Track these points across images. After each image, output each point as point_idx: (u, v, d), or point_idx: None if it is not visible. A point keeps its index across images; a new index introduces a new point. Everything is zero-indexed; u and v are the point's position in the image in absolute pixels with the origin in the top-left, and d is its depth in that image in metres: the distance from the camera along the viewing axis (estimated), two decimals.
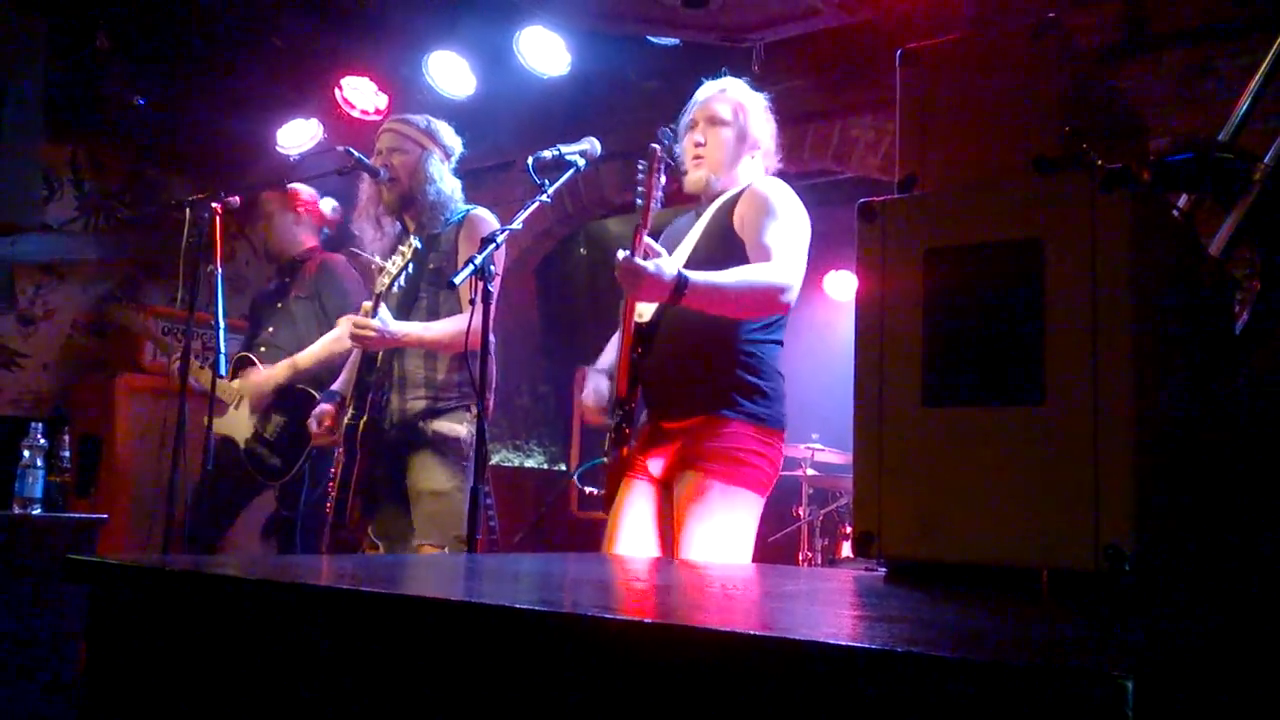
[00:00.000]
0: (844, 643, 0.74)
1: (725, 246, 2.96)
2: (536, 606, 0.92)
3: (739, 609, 1.14)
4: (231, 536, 4.41)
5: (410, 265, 3.48)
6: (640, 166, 2.90)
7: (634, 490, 3.04)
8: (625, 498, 3.04)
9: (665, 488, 3.02)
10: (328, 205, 4.67)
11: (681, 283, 2.70)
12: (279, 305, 4.47)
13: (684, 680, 0.82)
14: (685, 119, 3.19)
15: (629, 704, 0.84)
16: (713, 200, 3.14)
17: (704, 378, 2.94)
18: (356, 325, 3.38)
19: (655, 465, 3.01)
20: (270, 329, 4.44)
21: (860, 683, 0.71)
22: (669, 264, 2.73)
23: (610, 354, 3.22)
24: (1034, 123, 1.64)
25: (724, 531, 2.84)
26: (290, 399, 4.25)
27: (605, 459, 3.03)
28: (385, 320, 3.38)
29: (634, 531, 3.00)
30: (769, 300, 2.86)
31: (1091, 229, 1.42)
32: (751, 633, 0.78)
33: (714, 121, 3.14)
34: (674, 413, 2.96)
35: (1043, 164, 1.59)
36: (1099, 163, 1.60)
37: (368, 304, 3.48)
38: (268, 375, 4.26)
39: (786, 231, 2.94)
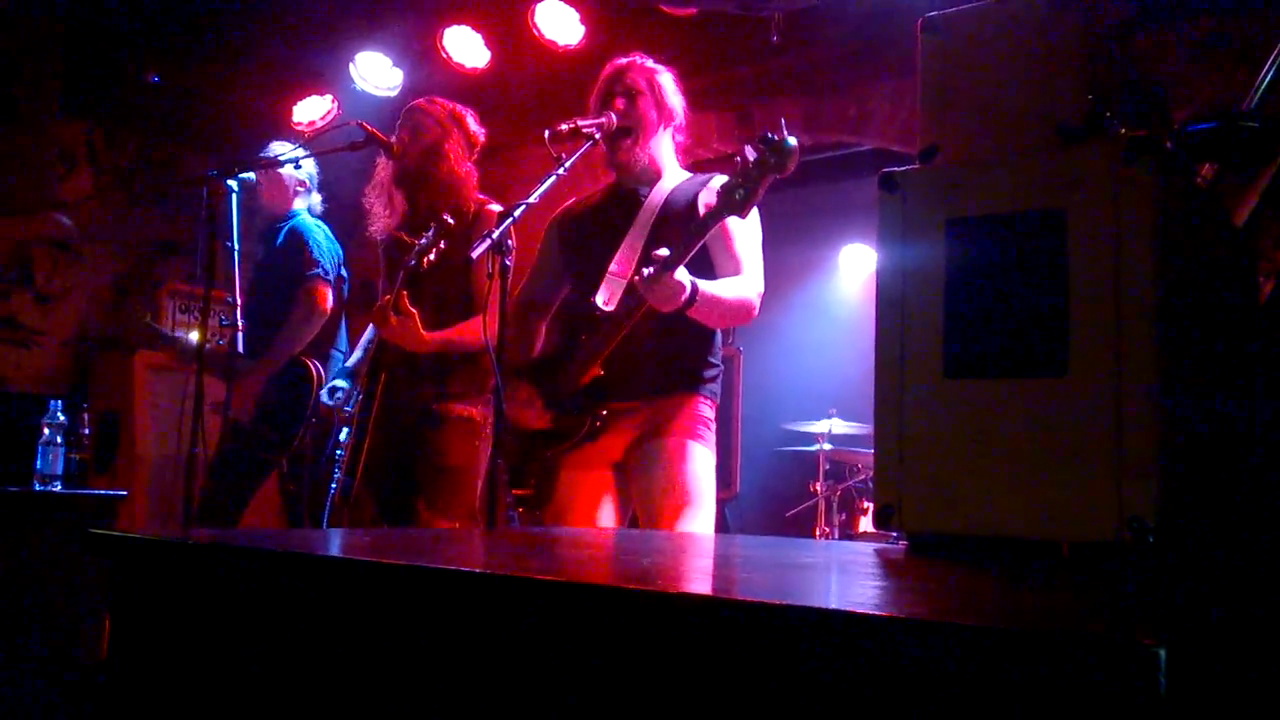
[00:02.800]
0: (874, 612, 0.74)
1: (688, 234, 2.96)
2: (582, 581, 0.92)
3: (772, 581, 1.14)
4: (246, 515, 4.40)
5: (441, 245, 3.42)
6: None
7: (587, 479, 3.09)
8: (581, 487, 3.09)
9: (618, 468, 3.10)
10: (316, 198, 4.59)
11: (694, 294, 2.79)
12: (258, 276, 4.39)
13: (720, 651, 0.81)
14: (600, 96, 3.18)
15: (669, 673, 0.84)
16: (645, 181, 3.17)
17: (673, 357, 3.03)
18: (397, 329, 3.39)
19: (608, 446, 3.05)
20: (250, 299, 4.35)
21: (892, 651, 0.70)
22: (684, 274, 2.78)
23: (522, 352, 3.23)
24: (1056, 92, 1.62)
25: (704, 482, 3.01)
26: (279, 371, 4.23)
27: (547, 455, 3.06)
28: (420, 335, 3.42)
29: (596, 517, 3.08)
30: (745, 316, 3.00)
31: (1115, 199, 1.41)
32: (793, 604, 0.78)
33: (631, 91, 3.15)
34: (638, 393, 3.01)
35: (1065, 133, 1.57)
36: (1122, 132, 1.58)
37: (384, 304, 3.47)
38: (252, 380, 4.18)
39: (754, 242, 3.06)
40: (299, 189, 4.49)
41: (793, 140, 2.63)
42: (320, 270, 4.28)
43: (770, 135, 2.64)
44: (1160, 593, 1.11)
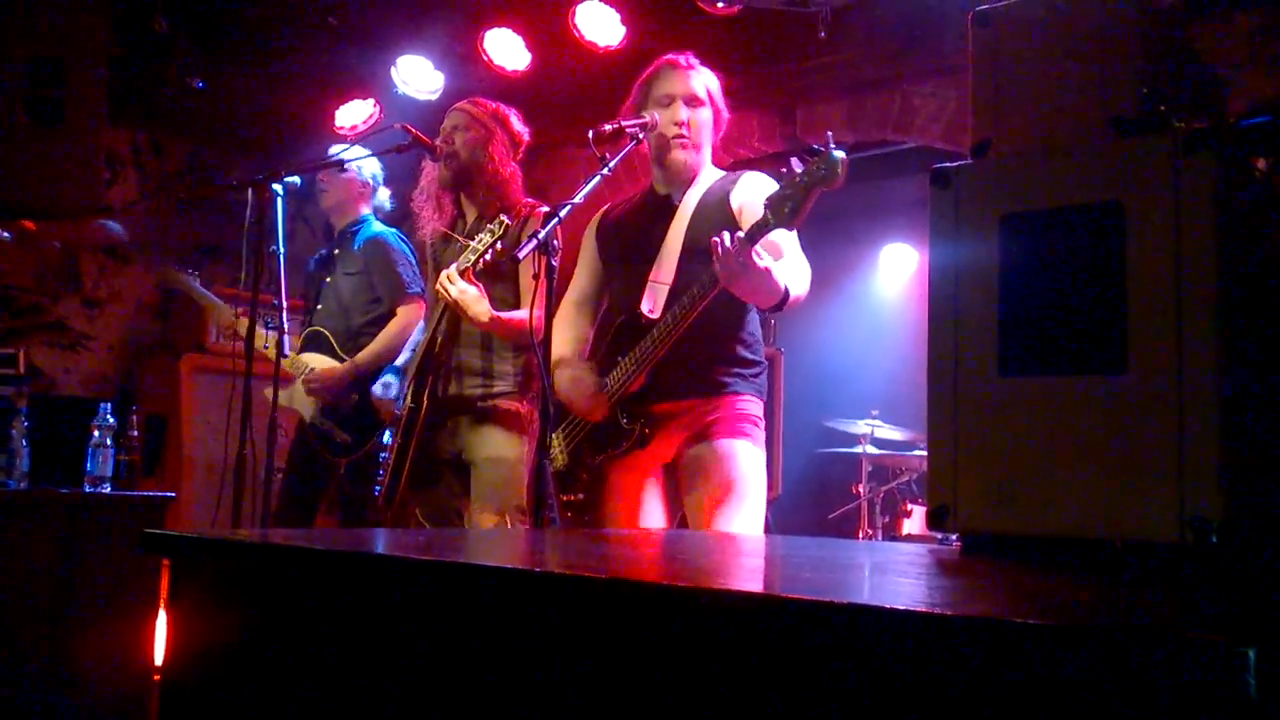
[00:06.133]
0: (939, 611, 0.72)
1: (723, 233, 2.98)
2: (647, 580, 0.91)
3: (829, 580, 1.13)
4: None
5: (498, 245, 3.41)
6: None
7: (636, 482, 3.10)
8: (630, 491, 3.10)
9: (667, 470, 3.11)
10: (384, 194, 4.70)
11: (786, 295, 2.80)
12: (326, 279, 4.45)
13: (776, 649, 0.80)
14: (652, 92, 3.16)
15: (735, 670, 0.84)
16: (682, 183, 3.17)
17: (715, 358, 3.02)
18: (467, 296, 3.39)
19: (657, 450, 3.05)
20: (319, 305, 4.44)
21: (967, 652, 0.69)
22: (773, 263, 2.77)
23: (570, 345, 3.23)
24: (1112, 84, 1.59)
25: (751, 482, 2.99)
26: (361, 377, 4.28)
27: (597, 459, 3.07)
28: (485, 306, 3.43)
29: (647, 520, 3.09)
30: (799, 302, 2.96)
31: (1173, 192, 1.38)
32: (857, 603, 0.77)
33: (693, 102, 3.13)
34: (684, 395, 3.01)
35: (1121, 126, 1.55)
36: (1179, 124, 1.56)
37: (453, 271, 3.45)
38: (341, 371, 4.27)
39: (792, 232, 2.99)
40: (363, 190, 4.57)
41: (839, 152, 2.59)
42: (421, 289, 4.40)
43: (817, 147, 2.63)
44: (1232, 593, 1.09)
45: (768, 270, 2.74)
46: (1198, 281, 1.34)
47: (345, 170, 4.43)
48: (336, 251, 4.54)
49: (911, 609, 0.74)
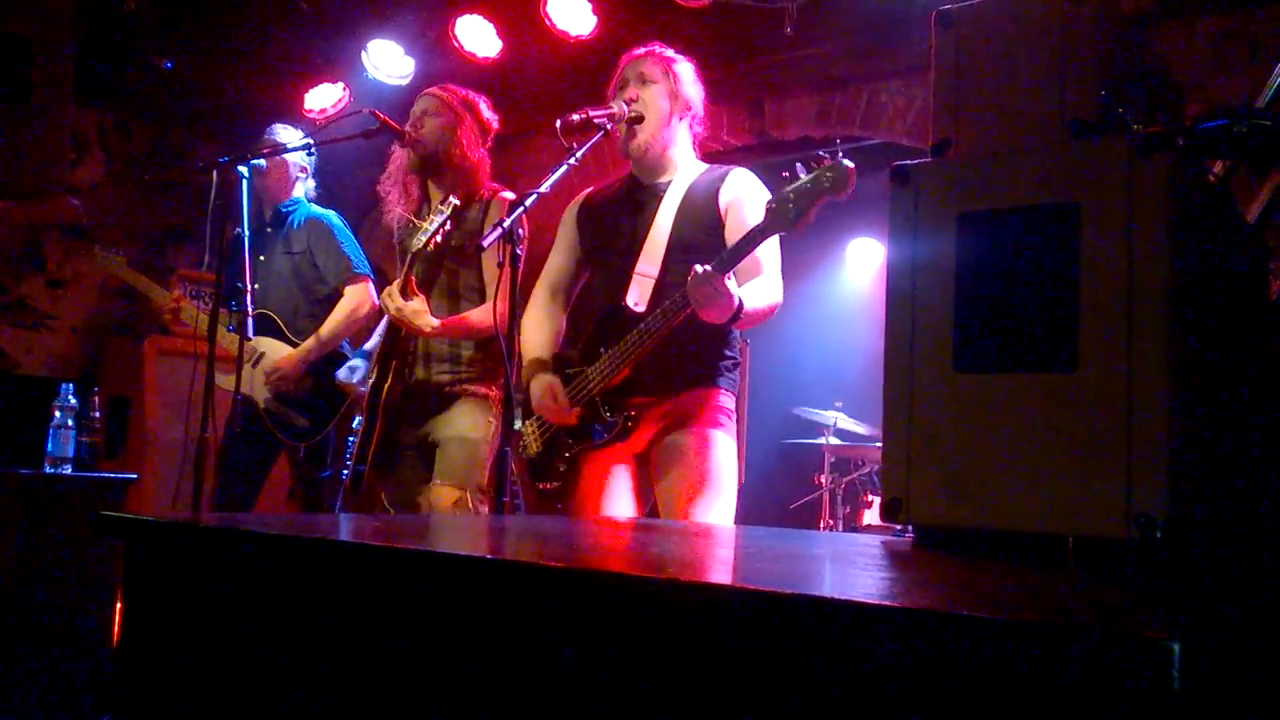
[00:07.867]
0: (884, 602, 0.74)
1: (709, 231, 3.03)
2: (616, 570, 0.92)
3: (784, 571, 1.14)
4: (261, 500, 4.42)
5: (447, 225, 3.42)
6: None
7: (608, 472, 3.11)
8: (602, 480, 3.11)
9: (640, 461, 3.12)
10: (311, 183, 4.63)
11: (739, 310, 2.81)
12: (260, 258, 4.37)
13: (730, 638, 0.82)
14: (617, 84, 3.19)
15: (684, 659, 0.85)
16: (660, 174, 3.17)
17: (694, 353, 3.04)
18: (405, 311, 3.40)
19: (632, 441, 3.06)
20: (257, 286, 4.35)
21: (903, 642, 0.71)
22: (734, 286, 2.80)
23: (543, 344, 3.24)
24: (1070, 86, 1.61)
25: (725, 471, 3.04)
26: (316, 361, 4.25)
27: (576, 451, 3.08)
28: (427, 318, 3.44)
29: (618, 508, 3.11)
30: (766, 321, 3.01)
31: (1128, 194, 1.41)
32: (805, 594, 0.78)
33: (645, 80, 3.14)
34: (662, 388, 3.02)
35: (1079, 128, 1.57)
36: (1136, 127, 1.58)
37: (394, 287, 3.46)
38: (299, 357, 4.23)
39: (775, 244, 3.02)
40: (299, 174, 4.52)
41: (848, 162, 2.61)
42: (368, 268, 4.37)
43: (823, 153, 2.64)
44: (1170, 588, 1.11)
45: (734, 296, 2.77)
46: (1149, 282, 1.37)
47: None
48: (269, 230, 4.46)
49: (854, 599, 0.76)
